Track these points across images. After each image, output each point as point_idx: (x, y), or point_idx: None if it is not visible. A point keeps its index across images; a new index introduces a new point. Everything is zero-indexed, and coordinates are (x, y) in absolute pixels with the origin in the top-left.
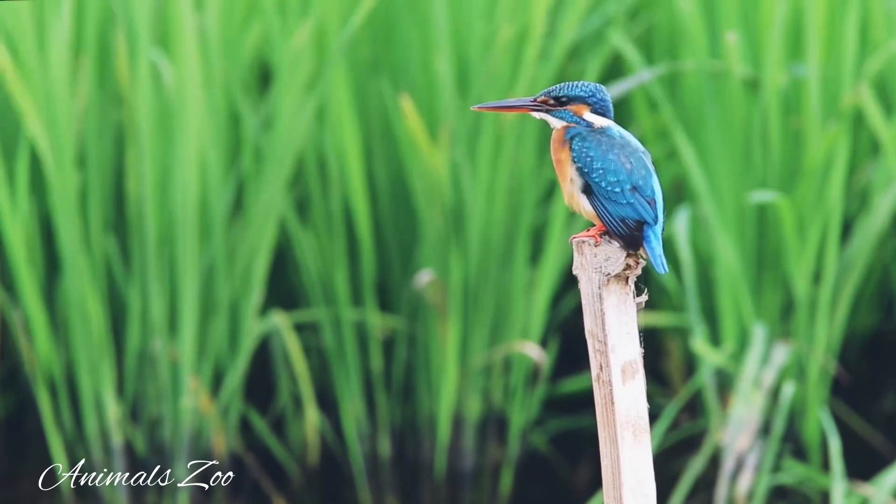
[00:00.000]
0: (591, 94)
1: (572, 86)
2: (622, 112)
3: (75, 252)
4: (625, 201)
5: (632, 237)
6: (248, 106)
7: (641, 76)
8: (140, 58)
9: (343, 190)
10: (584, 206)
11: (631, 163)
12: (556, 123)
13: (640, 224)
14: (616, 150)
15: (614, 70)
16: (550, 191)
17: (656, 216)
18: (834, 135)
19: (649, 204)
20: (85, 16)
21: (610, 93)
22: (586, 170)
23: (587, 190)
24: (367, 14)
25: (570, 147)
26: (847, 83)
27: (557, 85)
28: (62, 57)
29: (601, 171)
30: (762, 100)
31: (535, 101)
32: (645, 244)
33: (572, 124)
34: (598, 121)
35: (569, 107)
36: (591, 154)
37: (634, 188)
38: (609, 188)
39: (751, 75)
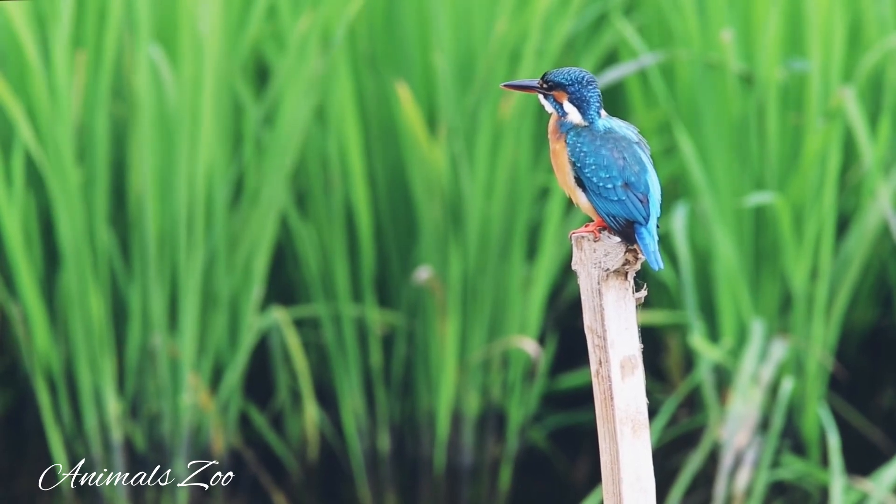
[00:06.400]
0: (570, 82)
1: (560, 71)
2: (618, 107)
3: (77, 247)
4: (615, 198)
5: (624, 232)
6: (249, 98)
7: (643, 60)
8: (140, 51)
9: (343, 185)
10: (580, 199)
11: (624, 158)
12: (547, 108)
13: (630, 223)
14: (610, 144)
15: (610, 66)
16: (547, 186)
17: (648, 214)
18: (825, 131)
19: (641, 202)
20: (84, 10)
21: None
22: (579, 164)
23: (581, 184)
24: (366, 6)
25: (566, 140)
26: (836, 81)
27: (556, 69)
28: (61, 52)
29: (593, 167)
30: (758, 95)
31: (538, 83)
32: (638, 241)
33: (555, 111)
34: (573, 112)
35: (553, 92)
36: (585, 149)
37: (627, 185)
38: (600, 184)
39: (746, 70)
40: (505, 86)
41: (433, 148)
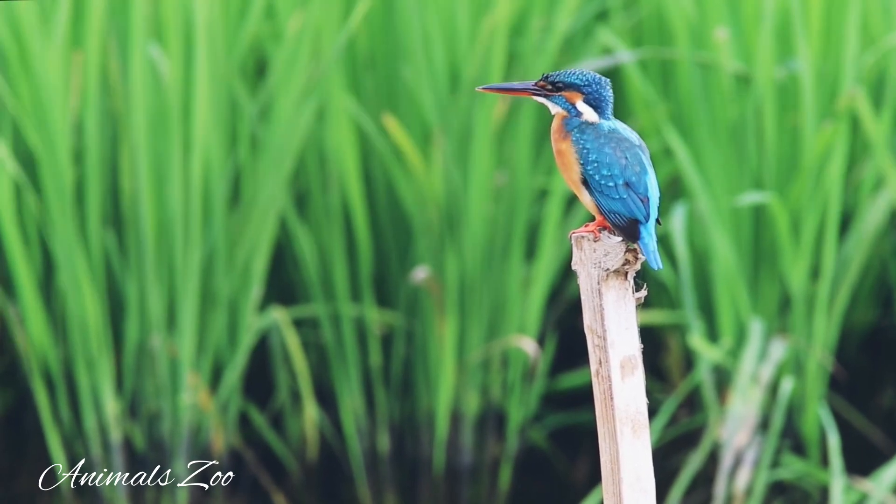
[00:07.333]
0: (586, 83)
1: (570, 72)
2: (618, 107)
3: (71, 247)
4: (616, 196)
5: (628, 228)
6: (245, 96)
7: (620, 56)
8: (135, 50)
9: (341, 185)
10: (584, 197)
11: (626, 158)
12: (553, 109)
13: (633, 221)
14: (613, 144)
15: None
16: (547, 187)
17: (648, 214)
18: (830, 133)
19: (642, 202)
20: (82, 9)
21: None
22: (582, 161)
23: (584, 182)
24: (364, 12)
25: (572, 139)
26: (843, 80)
27: (559, 70)
28: (56, 50)
29: (596, 164)
30: (754, 96)
31: (535, 84)
32: (638, 241)
33: (564, 112)
34: (589, 112)
35: (563, 93)
36: (588, 146)
37: (627, 184)
38: (602, 182)
39: (742, 70)
40: (485, 88)
41: (427, 169)
